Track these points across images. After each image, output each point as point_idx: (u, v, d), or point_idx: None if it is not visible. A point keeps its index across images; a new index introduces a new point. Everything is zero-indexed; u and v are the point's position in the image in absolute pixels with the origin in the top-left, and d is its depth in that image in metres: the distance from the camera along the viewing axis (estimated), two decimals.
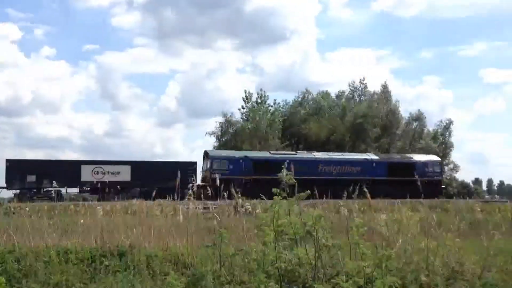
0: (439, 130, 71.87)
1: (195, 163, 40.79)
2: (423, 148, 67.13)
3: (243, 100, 60.11)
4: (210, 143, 60.87)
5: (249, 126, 56.89)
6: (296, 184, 5.81)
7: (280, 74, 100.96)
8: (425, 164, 42.41)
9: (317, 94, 71.09)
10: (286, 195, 5.65)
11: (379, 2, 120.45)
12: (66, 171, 36.40)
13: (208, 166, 38.14)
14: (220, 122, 58.29)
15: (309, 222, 5.33)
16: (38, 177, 36.37)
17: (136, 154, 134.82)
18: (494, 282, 5.41)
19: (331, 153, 46.04)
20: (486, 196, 46.77)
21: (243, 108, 59.94)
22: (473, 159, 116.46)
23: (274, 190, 5.59)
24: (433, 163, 43.48)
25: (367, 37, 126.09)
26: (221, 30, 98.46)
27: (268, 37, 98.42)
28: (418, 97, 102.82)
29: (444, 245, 7.00)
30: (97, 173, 38.97)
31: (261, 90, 61.96)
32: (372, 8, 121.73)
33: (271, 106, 63.24)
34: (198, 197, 12.13)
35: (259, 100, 60.45)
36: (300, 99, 70.24)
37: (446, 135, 71.66)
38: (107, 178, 38.31)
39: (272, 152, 43.43)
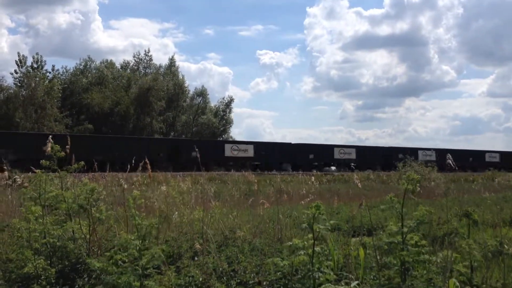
0: (220, 107, 75.70)
1: None
2: (205, 123, 70.09)
3: (16, 64, 54.49)
4: None
5: (24, 93, 51.87)
6: None
7: (58, 38, 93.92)
8: None
9: (100, 63, 68.37)
10: (56, 167, 5.32)
11: None
12: None
13: None
14: None
15: (81, 196, 5.09)
16: None
17: None
18: (260, 246, 5.89)
19: None
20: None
21: (17, 73, 54.40)
22: (249, 134, 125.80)
23: (42, 162, 5.19)
24: None
25: (153, 8, 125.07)
26: None
27: None
28: (201, 72, 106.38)
29: (219, 214, 7.39)
30: None
31: (37, 54, 56.99)
32: None
33: (49, 72, 58.76)
34: None
35: (35, 65, 55.49)
36: (82, 67, 66.62)
37: (227, 112, 75.92)
38: None
39: None
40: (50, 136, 5.69)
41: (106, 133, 52.62)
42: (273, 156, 46.99)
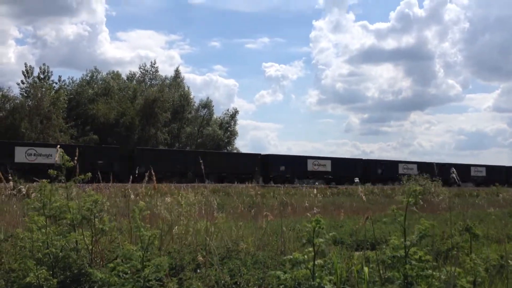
0: (225, 119, 75.83)
1: None
2: (210, 134, 70.21)
3: (23, 74, 54.80)
4: None
5: (30, 103, 52.15)
6: None
7: (65, 49, 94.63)
8: None
9: (107, 74, 68.70)
10: (63, 177, 5.35)
11: None
12: None
13: None
14: None
15: (85, 207, 5.11)
16: None
17: None
18: (263, 259, 5.88)
19: None
20: None
21: (23, 83, 54.71)
22: (254, 146, 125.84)
23: (50, 171, 5.22)
24: None
25: (159, 20, 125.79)
26: None
27: (52, 7, 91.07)
28: (207, 84, 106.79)
29: (223, 226, 7.39)
30: None
31: (44, 64, 57.32)
32: None
33: (56, 83, 59.05)
34: None
35: (41, 76, 55.82)
36: (88, 78, 66.97)
37: (232, 124, 75.99)
38: None
39: None
40: (58, 146, 5.72)
41: (111, 144, 52.87)
42: (346, 171, 52.01)
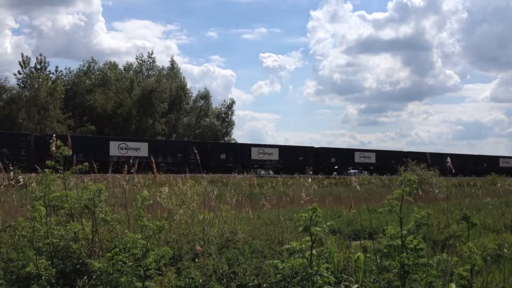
0: (222, 109, 75.72)
1: None
2: (208, 125, 70.16)
3: (20, 64, 54.57)
4: None
5: (27, 94, 52.00)
6: None
7: (61, 39, 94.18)
8: None
9: (104, 65, 68.48)
10: (61, 167, 5.35)
11: None
12: None
13: None
14: None
15: (86, 196, 5.11)
16: None
17: None
18: (260, 248, 5.90)
19: None
20: None
21: (20, 74, 54.50)
22: (252, 137, 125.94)
23: (48, 162, 5.22)
24: None
25: (156, 10, 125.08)
26: None
27: None
28: (204, 75, 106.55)
29: (220, 216, 7.41)
30: None
31: (40, 55, 57.05)
32: None
33: (53, 73, 58.82)
34: None
35: (38, 66, 55.55)
36: (85, 68, 66.73)
37: (229, 114, 75.95)
38: None
39: None
40: (54, 136, 5.71)
41: (109, 135, 52.82)
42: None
